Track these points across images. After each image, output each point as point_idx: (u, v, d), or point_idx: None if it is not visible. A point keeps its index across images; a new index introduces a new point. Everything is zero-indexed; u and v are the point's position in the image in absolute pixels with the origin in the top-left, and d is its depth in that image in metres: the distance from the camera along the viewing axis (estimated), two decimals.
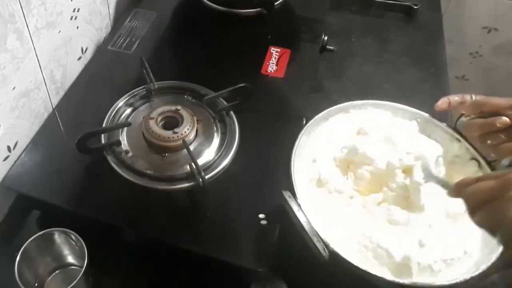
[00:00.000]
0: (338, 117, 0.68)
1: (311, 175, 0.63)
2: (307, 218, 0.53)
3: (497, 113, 0.58)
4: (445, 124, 0.67)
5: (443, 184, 0.56)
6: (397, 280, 0.51)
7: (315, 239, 0.51)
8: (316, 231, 0.52)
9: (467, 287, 0.52)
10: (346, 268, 0.52)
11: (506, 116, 0.57)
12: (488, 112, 0.59)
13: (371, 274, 0.51)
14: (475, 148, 0.64)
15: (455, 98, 0.61)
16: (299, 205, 0.54)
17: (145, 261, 0.63)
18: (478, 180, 0.47)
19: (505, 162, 0.61)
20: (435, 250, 0.55)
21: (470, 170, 0.64)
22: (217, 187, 0.62)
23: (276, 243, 0.58)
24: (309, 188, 0.61)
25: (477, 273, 0.52)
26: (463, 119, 0.64)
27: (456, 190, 0.49)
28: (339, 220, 0.59)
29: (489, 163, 0.62)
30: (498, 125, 0.57)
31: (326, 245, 0.52)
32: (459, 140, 0.65)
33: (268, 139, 0.69)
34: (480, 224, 0.46)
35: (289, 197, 0.54)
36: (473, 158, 0.64)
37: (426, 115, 0.68)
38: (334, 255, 0.52)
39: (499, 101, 0.58)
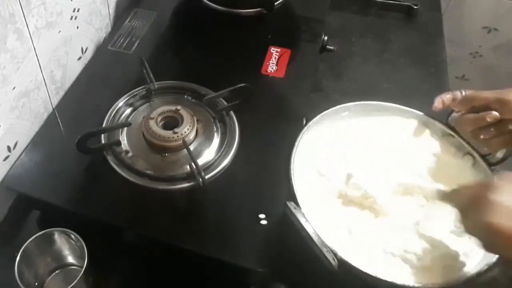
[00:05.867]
0: (337, 118, 0.68)
1: (311, 175, 0.63)
2: (314, 230, 0.52)
3: (487, 107, 0.58)
4: (438, 121, 0.67)
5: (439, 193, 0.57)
6: (412, 284, 0.52)
7: (324, 250, 0.51)
8: (324, 242, 0.52)
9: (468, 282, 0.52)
10: (356, 275, 0.51)
11: (495, 109, 0.57)
12: (478, 107, 0.59)
13: (382, 280, 0.51)
14: (468, 143, 0.64)
15: (447, 96, 0.63)
16: (305, 217, 0.53)
17: (145, 261, 0.63)
18: (466, 188, 0.49)
19: (499, 155, 0.61)
20: (455, 244, 0.56)
21: (465, 166, 0.64)
22: (217, 187, 0.62)
23: (276, 244, 0.58)
24: (308, 189, 0.61)
25: (494, 259, 0.52)
26: (454, 114, 0.64)
27: (447, 197, 0.53)
28: (342, 223, 0.59)
29: (483, 157, 0.63)
30: (488, 119, 0.57)
31: (335, 254, 0.51)
32: (453, 136, 0.66)
33: (268, 139, 0.69)
34: (468, 231, 0.48)
35: (295, 208, 0.54)
36: (468, 153, 0.64)
37: (420, 113, 0.68)
38: (343, 263, 0.51)
39: (488, 95, 0.58)
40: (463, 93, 0.61)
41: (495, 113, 0.57)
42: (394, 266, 0.56)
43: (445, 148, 0.66)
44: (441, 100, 0.63)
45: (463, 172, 0.64)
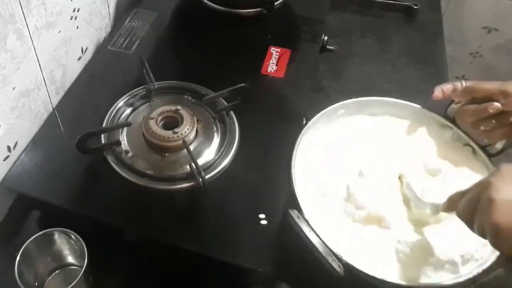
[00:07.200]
0: (335, 117, 0.68)
1: (312, 176, 0.63)
2: (320, 238, 0.52)
3: (488, 98, 0.58)
4: (436, 113, 0.67)
5: (434, 208, 0.56)
6: (418, 284, 0.52)
7: (329, 258, 0.51)
8: (330, 249, 0.51)
9: (472, 282, 0.52)
10: (362, 279, 0.51)
11: (497, 101, 0.57)
12: (479, 98, 0.59)
13: (389, 282, 0.51)
14: (467, 134, 0.64)
15: (447, 86, 0.63)
16: (309, 225, 0.53)
17: (145, 261, 0.63)
18: (464, 193, 0.48)
19: (498, 146, 0.61)
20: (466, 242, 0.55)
21: (464, 157, 0.64)
22: (217, 187, 0.62)
23: (277, 245, 0.58)
24: (309, 190, 0.61)
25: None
26: (453, 106, 0.64)
27: (448, 207, 0.51)
28: (343, 225, 0.59)
29: (483, 148, 0.63)
30: (490, 110, 0.57)
31: (340, 260, 0.51)
32: (451, 128, 0.66)
33: (268, 139, 0.69)
34: (477, 233, 0.46)
35: (298, 217, 0.54)
36: (467, 144, 0.64)
37: (418, 106, 0.68)
38: (349, 268, 0.51)
39: (490, 86, 0.58)
40: (464, 84, 0.61)
41: (498, 104, 0.56)
42: (406, 266, 0.55)
43: (444, 141, 0.66)
44: (441, 90, 0.63)
45: (464, 164, 0.64)
